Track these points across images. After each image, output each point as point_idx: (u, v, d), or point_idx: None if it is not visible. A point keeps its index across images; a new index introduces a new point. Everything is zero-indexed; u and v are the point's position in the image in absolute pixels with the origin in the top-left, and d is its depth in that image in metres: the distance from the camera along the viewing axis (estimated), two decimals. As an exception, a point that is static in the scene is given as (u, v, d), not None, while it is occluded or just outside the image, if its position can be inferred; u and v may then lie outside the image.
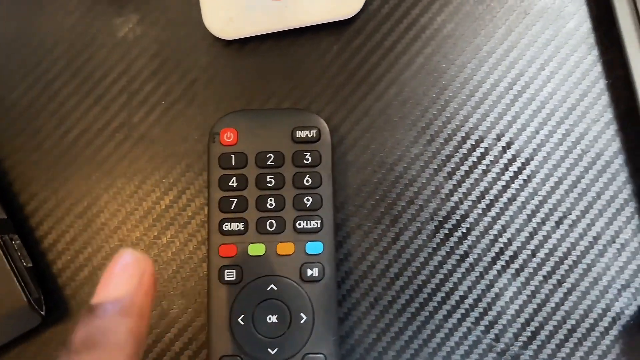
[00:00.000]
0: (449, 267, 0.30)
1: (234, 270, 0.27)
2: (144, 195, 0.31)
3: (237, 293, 0.27)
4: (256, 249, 0.27)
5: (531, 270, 0.30)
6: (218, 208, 0.28)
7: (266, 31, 0.31)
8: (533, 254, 0.30)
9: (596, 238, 0.30)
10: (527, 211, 0.30)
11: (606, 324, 0.29)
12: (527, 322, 0.29)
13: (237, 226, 0.28)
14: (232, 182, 0.28)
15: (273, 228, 0.28)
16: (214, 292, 0.28)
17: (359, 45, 0.31)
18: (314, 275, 0.27)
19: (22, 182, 0.31)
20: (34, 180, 0.31)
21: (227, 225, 0.28)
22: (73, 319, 0.30)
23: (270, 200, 0.28)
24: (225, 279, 0.27)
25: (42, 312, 0.29)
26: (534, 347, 0.29)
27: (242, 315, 0.27)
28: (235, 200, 0.28)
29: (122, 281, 0.19)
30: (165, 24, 0.32)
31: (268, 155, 0.28)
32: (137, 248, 0.31)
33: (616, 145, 0.30)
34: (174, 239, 0.31)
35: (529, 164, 0.30)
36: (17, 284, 0.28)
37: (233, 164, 0.28)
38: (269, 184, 0.28)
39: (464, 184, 0.30)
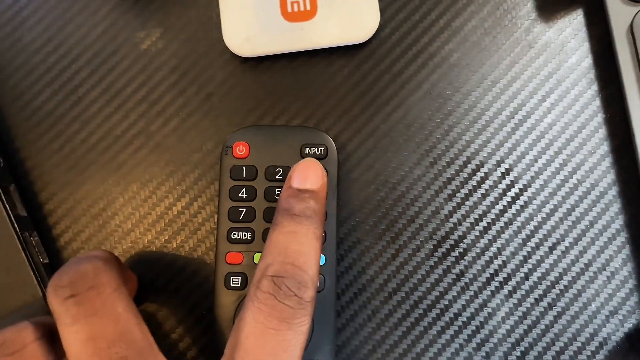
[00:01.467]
0: (445, 285, 0.31)
1: (240, 277, 0.28)
2: (157, 201, 0.32)
3: (242, 299, 0.28)
4: None
5: (523, 293, 0.30)
6: (227, 217, 0.29)
7: (281, 51, 0.32)
8: (526, 277, 0.31)
9: (587, 265, 0.30)
10: (523, 235, 0.31)
11: (593, 348, 0.30)
12: (517, 342, 0.30)
13: (245, 235, 0.29)
14: (242, 193, 0.29)
15: None
16: (220, 297, 0.28)
17: (369, 69, 0.32)
18: None
19: (42, 182, 0.32)
20: (53, 181, 0.32)
21: (235, 234, 0.29)
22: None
23: None
24: (231, 285, 0.28)
25: (55, 307, 0.30)
26: (522, 366, 0.30)
27: None
28: (244, 210, 0.29)
29: (316, 179, 0.26)
30: (186, 39, 0.33)
31: (277, 169, 0.29)
32: (149, 251, 0.32)
33: (611, 177, 0.31)
34: (184, 243, 0.32)
35: (526, 191, 0.31)
36: (34, 278, 0.29)
37: (244, 176, 0.29)
38: (277, 197, 0.29)
39: (463, 206, 0.31)
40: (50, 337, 0.24)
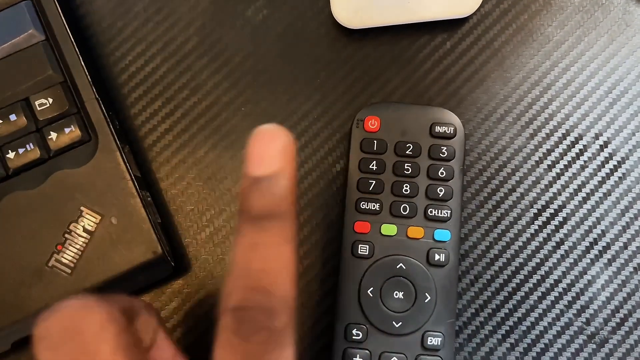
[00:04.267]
0: (545, 252, 0.30)
1: (367, 246, 0.28)
2: (265, 166, 0.32)
3: (368, 267, 0.27)
4: (388, 229, 0.28)
5: (622, 261, 0.30)
6: (356, 188, 0.28)
7: (388, 23, 0.30)
8: (625, 246, 0.30)
9: (683, 236, 0.30)
10: (621, 206, 0.30)
11: (687, 316, 0.30)
12: (617, 309, 0.29)
13: (373, 206, 0.28)
14: (372, 166, 0.28)
15: (406, 212, 0.28)
16: (347, 264, 0.28)
17: (470, 43, 0.31)
18: (440, 260, 0.28)
19: (155, 147, 0.32)
20: (165, 145, 0.31)
21: (363, 204, 0.28)
22: (194, 275, 0.31)
23: (406, 186, 0.28)
24: (359, 252, 0.28)
25: (172, 264, 0.29)
26: (622, 332, 0.29)
27: (372, 288, 0.27)
28: (373, 182, 0.28)
29: (273, 156, 0.18)
30: (292, 9, 0.32)
31: (407, 145, 0.28)
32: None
33: None
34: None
35: (624, 163, 0.30)
36: (154, 234, 0.28)
37: (374, 149, 0.28)
38: (405, 172, 0.28)
39: (562, 177, 0.30)
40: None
